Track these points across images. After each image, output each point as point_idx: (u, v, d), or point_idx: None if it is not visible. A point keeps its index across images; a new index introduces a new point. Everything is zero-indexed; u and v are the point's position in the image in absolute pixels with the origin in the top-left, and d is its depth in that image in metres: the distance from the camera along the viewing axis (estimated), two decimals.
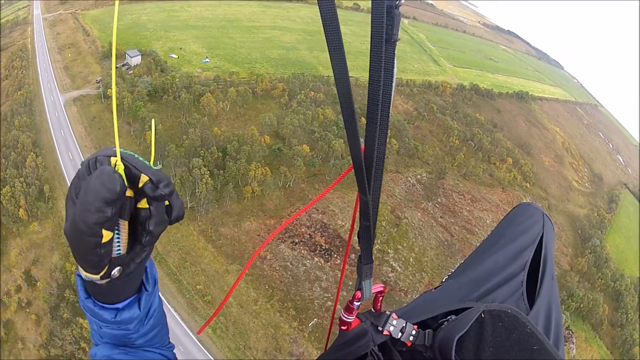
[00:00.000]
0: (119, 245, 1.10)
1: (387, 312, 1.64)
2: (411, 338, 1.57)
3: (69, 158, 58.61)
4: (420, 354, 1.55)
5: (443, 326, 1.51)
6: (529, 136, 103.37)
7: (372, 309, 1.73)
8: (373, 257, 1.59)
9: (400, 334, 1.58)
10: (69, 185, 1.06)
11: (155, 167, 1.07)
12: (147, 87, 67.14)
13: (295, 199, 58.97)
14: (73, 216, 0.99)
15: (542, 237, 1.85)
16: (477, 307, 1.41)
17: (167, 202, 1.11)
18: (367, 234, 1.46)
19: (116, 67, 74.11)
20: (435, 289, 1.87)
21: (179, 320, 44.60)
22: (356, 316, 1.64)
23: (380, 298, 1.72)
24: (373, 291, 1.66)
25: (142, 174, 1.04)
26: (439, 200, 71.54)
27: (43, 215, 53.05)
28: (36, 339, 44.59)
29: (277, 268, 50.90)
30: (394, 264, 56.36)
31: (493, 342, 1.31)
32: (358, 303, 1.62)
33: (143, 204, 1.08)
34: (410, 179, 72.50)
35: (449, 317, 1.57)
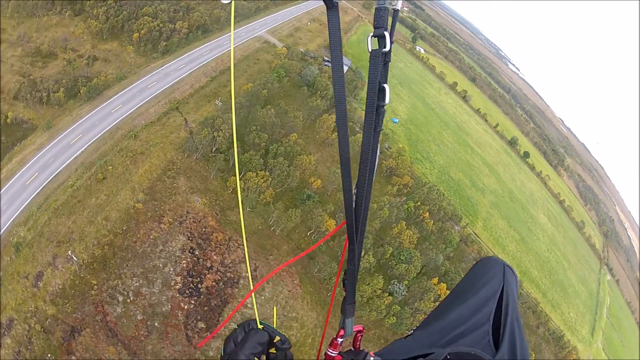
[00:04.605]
0: None
1: (365, 351, 1.84)
2: None
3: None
4: None
5: None
6: None
7: (352, 348, 1.94)
8: (355, 299, 1.87)
9: None
10: (229, 335, 1.84)
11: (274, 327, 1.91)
12: (308, 75, 66.36)
13: (255, 243, 45.70)
14: (234, 349, 1.77)
15: (503, 287, 1.86)
16: (443, 350, 1.56)
17: (285, 354, 1.87)
18: (352, 276, 1.79)
19: (321, 58, 76.86)
20: (405, 337, 1.93)
21: None
22: (339, 353, 1.88)
23: (360, 337, 1.97)
24: (354, 330, 1.91)
25: (276, 336, 1.85)
26: None
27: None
28: None
29: (148, 244, 40.89)
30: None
31: None
32: (341, 339, 1.87)
33: (272, 350, 1.86)
34: None
35: None
